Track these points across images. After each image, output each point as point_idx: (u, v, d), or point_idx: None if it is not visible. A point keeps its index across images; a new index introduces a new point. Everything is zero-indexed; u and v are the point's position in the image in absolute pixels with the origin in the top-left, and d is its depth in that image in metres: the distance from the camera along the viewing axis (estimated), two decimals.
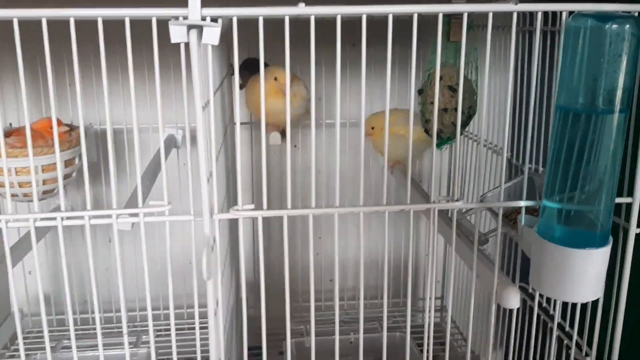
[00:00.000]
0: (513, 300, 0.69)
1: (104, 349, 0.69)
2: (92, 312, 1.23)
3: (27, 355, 1.08)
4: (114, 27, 0.64)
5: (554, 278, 0.66)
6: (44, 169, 1.00)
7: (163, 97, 0.64)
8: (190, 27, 0.60)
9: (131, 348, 1.00)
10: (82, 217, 0.66)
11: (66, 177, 1.04)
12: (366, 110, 0.67)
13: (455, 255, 0.75)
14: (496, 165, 1.06)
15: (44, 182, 1.01)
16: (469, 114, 0.88)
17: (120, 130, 1.19)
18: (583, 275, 0.64)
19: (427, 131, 0.89)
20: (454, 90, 0.86)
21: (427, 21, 0.75)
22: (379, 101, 1.03)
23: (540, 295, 0.88)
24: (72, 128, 1.10)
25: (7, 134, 1.05)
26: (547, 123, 0.85)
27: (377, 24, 0.69)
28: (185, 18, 0.60)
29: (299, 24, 0.65)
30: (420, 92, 0.90)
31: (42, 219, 0.67)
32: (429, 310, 0.75)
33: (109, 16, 0.60)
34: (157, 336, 0.73)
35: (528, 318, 0.96)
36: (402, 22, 0.71)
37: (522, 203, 0.71)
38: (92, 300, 0.68)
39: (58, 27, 0.62)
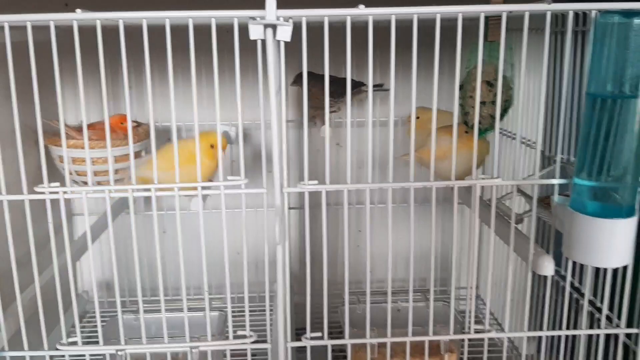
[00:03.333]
0: (548, 267, 0.77)
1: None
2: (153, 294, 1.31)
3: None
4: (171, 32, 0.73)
5: (585, 246, 0.74)
6: (116, 160, 1.12)
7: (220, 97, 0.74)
8: (266, 26, 0.70)
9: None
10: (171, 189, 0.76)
11: None
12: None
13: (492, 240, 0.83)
14: (529, 159, 1.13)
15: (116, 171, 1.12)
16: (505, 107, 0.97)
17: (179, 127, 1.29)
18: (611, 242, 0.72)
19: (467, 123, 0.98)
20: (491, 85, 0.95)
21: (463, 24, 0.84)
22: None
23: (572, 276, 0.95)
24: (139, 124, 1.22)
25: (78, 130, 1.16)
26: (578, 117, 0.94)
27: (400, 29, 0.77)
28: (262, 18, 0.70)
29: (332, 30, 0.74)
30: (460, 87, 0.99)
31: (116, 191, 0.77)
32: (471, 288, 0.83)
33: (197, 17, 0.71)
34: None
35: (560, 299, 1.03)
36: (428, 27, 0.79)
37: (555, 181, 0.79)
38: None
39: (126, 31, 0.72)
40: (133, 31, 0.73)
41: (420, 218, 0.84)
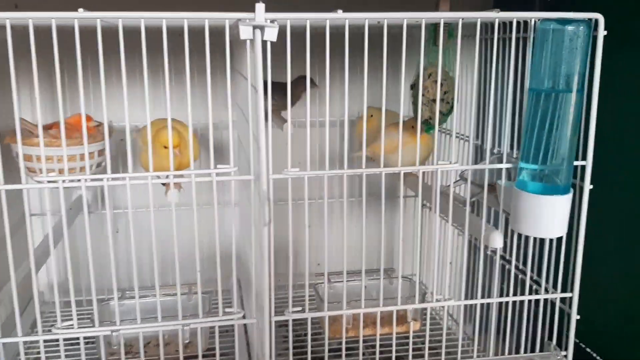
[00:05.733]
0: (498, 240, 0.89)
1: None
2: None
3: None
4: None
5: (530, 220, 0.86)
6: (81, 157, 1.14)
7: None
8: (255, 27, 0.78)
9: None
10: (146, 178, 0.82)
11: (98, 165, 1.17)
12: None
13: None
14: (463, 151, 1.25)
15: (81, 169, 1.15)
16: (452, 104, 1.09)
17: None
18: (552, 216, 0.85)
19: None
20: (441, 84, 1.06)
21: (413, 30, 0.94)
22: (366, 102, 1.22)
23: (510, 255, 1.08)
24: (100, 124, 1.25)
25: (47, 127, 1.18)
26: (521, 113, 1.06)
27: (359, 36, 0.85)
28: (252, 20, 0.78)
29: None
30: (412, 87, 1.10)
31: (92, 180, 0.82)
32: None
33: (192, 18, 0.77)
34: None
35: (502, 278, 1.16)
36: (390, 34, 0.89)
37: (503, 165, 0.91)
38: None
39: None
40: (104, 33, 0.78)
41: (371, 210, 0.94)
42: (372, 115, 1.21)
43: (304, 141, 0.85)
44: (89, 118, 1.23)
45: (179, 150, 0.96)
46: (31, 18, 0.74)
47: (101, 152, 1.21)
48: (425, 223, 1.37)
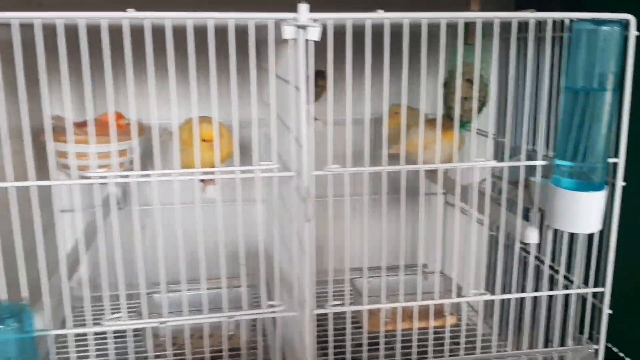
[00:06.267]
0: (534, 235, 0.91)
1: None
2: None
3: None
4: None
5: (565, 216, 0.88)
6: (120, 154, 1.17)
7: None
8: (298, 27, 0.80)
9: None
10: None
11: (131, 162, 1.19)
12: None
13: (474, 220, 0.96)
14: (492, 149, 1.27)
15: (120, 164, 1.18)
16: (483, 101, 1.11)
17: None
18: (587, 212, 0.87)
19: (450, 116, 1.11)
20: (472, 82, 1.08)
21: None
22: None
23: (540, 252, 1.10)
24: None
25: (80, 124, 1.21)
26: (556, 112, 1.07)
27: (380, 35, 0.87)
28: (295, 20, 0.80)
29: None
30: (445, 85, 1.12)
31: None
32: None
33: (238, 18, 0.80)
34: None
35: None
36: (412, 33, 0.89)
37: (539, 162, 0.93)
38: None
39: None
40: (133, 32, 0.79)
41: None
42: (396, 113, 1.23)
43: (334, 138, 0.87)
44: (120, 115, 1.26)
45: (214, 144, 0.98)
46: (83, 17, 0.75)
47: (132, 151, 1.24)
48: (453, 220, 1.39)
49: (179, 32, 0.80)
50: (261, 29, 0.82)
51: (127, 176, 0.85)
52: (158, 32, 0.79)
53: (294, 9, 0.80)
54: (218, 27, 0.81)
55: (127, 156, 1.20)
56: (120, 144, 1.16)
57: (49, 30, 0.77)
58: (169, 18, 0.77)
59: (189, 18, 0.79)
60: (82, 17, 0.75)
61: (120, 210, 0.98)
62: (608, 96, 0.85)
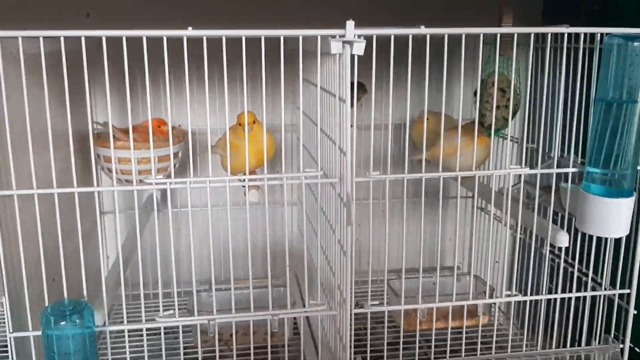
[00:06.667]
0: (564, 239, 0.95)
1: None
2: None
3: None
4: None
5: (596, 221, 0.92)
6: (158, 160, 1.22)
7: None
8: (344, 42, 0.85)
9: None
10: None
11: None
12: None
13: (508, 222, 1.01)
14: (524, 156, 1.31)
15: (158, 170, 1.23)
16: (515, 110, 1.15)
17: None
18: (617, 217, 0.91)
19: (483, 124, 1.15)
20: (504, 91, 1.13)
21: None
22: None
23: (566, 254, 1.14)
24: (174, 128, 1.33)
25: (125, 131, 1.26)
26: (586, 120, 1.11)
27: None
28: (342, 36, 0.84)
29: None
30: (475, 93, 1.16)
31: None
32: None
33: (287, 35, 0.84)
34: None
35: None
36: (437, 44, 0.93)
37: (570, 170, 0.97)
38: None
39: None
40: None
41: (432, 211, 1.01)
42: (428, 119, 1.28)
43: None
44: (163, 122, 1.31)
45: (252, 128, 1.05)
46: (145, 34, 0.81)
47: (175, 155, 1.30)
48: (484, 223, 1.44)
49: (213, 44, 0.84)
50: (291, 42, 0.87)
51: (181, 182, 0.89)
52: (195, 46, 0.84)
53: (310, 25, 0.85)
54: (249, 40, 0.85)
55: (178, 158, 1.27)
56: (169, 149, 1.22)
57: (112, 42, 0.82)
58: (225, 35, 0.82)
59: (244, 35, 0.83)
60: (145, 35, 0.80)
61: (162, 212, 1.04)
62: (638, 108, 0.89)
